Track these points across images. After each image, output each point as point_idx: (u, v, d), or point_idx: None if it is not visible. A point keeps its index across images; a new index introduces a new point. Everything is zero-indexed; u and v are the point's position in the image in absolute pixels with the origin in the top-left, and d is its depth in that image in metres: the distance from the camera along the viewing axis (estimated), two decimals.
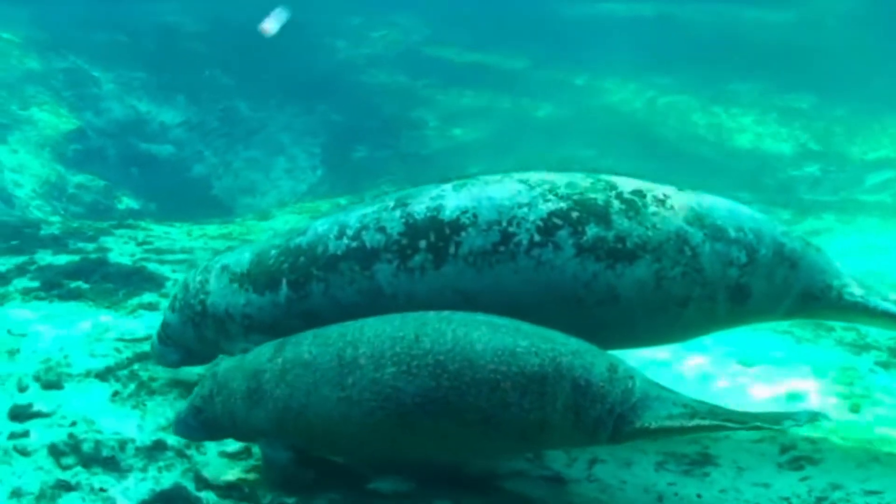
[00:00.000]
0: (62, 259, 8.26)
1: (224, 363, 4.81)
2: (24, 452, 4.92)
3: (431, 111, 17.59)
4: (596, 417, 4.30)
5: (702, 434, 5.32)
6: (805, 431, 5.39)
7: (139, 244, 9.03)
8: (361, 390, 4.28)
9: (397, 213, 4.89)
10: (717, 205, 5.03)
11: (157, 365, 5.90)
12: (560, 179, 4.93)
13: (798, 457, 5.18)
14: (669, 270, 4.77)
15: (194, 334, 5.54)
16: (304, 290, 5.00)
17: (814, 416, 4.36)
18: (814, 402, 5.90)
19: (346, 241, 4.92)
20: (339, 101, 17.79)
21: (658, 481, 4.93)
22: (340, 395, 4.32)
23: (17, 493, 4.56)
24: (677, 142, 16.14)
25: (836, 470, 5.01)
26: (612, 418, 4.30)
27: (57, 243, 8.82)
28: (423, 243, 4.77)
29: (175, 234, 9.56)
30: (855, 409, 5.83)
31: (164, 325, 5.76)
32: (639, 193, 4.90)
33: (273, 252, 5.20)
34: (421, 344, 4.26)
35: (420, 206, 4.87)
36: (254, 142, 17.09)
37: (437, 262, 4.75)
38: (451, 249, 4.73)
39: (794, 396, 6.00)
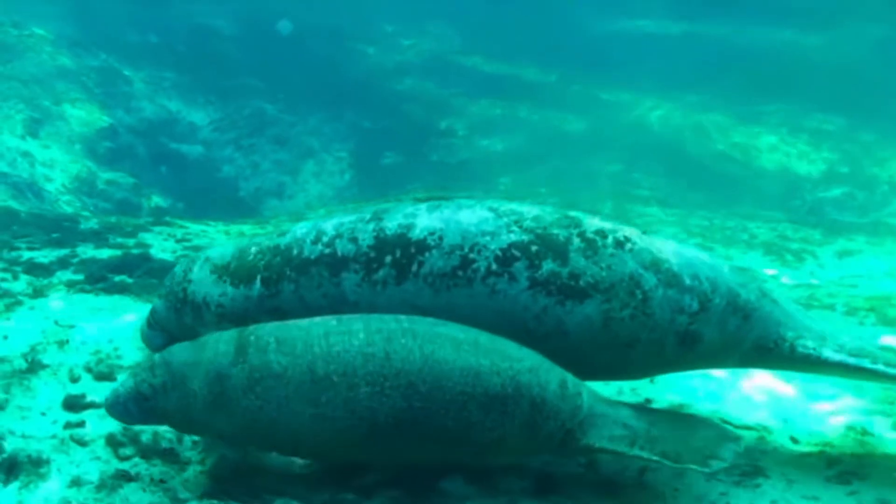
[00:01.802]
0: (104, 253, 8.30)
1: (177, 353, 4.63)
2: (81, 442, 4.95)
3: (460, 120, 17.63)
4: (548, 433, 4.58)
5: (750, 445, 5.38)
6: (850, 448, 5.39)
7: (178, 241, 9.07)
8: (335, 408, 4.36)
9: (371, 225, 5.15)
10: (677, 252, 5.14)
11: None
12: (529, 212, 5.11)
13: (844, 471, 5.16)
14: (618, 312, 4.92)
15: (176, 320, 5.83)
16: (275, 287, 5.27)
17: (737, 456, 4.73)
18: (856, 419, 5.89)
19: (320, 246, 5.20)
20: (368, 107, 17.85)
21: (710, 491, 4.94)
22: (314, 412, 4.36)
23: (76, 483, 4.60)
24: (704, 160, 16.13)
25: (882, 485, 5.00)
26: (561, 433, 4.59)
27: (98, 238, 8.87)
28: (388, 258, 5.03)
29: (212, 233, 9.60)
30: None
31: (152, 311, 6.10)
32: (601, 233, 5.04)
33: (253, 249, 5.51)
34: (392, 363, 4.39)
35: (393, 222, 5.13)
36: (282, 145, 17.15)
37: (398, 278, 5.00)
38: (414, 268, 4.97)
39: (835, 412, 5.99)
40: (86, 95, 16.77)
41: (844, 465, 5.25)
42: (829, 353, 5.12)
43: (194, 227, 9.83)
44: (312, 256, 5.19)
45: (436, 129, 17.33)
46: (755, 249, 10.92)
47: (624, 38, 19.86)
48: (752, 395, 6.10)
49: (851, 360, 5.10)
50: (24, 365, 5.85)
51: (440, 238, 4.99)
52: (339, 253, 5.12)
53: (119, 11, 19.50)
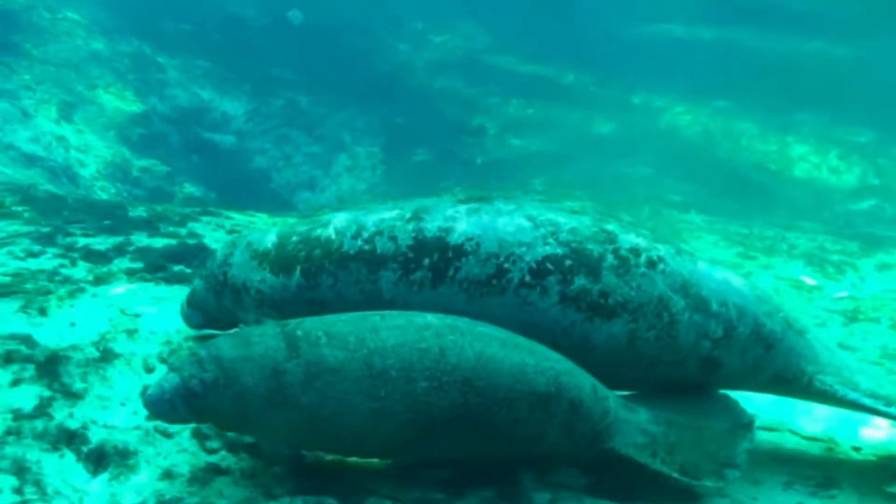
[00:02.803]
0: (158, 242, 8.30)
1: (225, 348, 4.51)
2: (165, 434, 4.94)
3: (491, 119, 17.66)
4: (581, 433, 4.72)
5: (820, 456, 5.43)
6: None
7: (228, 231, 9.06)
8: (394, 403, 4.37)
9: (411, 225, 5.19)
10: (708, 275, 5.23)
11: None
12: (567, 223, 5.16)
13: None
14: (644, 332, 5.02)
15: (215, 302, 5.92)
16: (314, 280, 5.32)
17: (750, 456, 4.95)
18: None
19: (360, 242, 5.24)
20: (399, 103, 17.87)
21: (787, 501, 4.98)
22: (373, 407, 4.36)
23: (168, 475, 4.60)
24: (735, 167, 16.15)
25: None
26: (591, 434, 4.74)
27: (149, 226, 8.86)
28: (426, 261, 5.09)
29: (259, 225, 9.59)
30: None
31: (192, 291, 6.16)
32: (635, 251, 5.11)
33: (294, 238, 5.51)
34: (447, 358, 4.44)
35: (433, 223, 5.17)
36: (315, 138, 17.16)
37: (434, 281, 5.07)
38: (450, 272, 5.04)
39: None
40: (119, 81, 16.80)
41: None
42: (844, 391, 5.23)
43: (240, 218, 9.82)
44: (352, 252, 5.23)
45: (467, 128, 17.36)
46: (796, 259, 10.94)
47: (654, 43, 19.88)
48: (815, 406, 6.11)
49: (867, 402, 5.22)
50: (96, 353, 5.85)
51: (477, 245, 5.06)
52: (379, 251, 5.17)
53: None
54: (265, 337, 4.51)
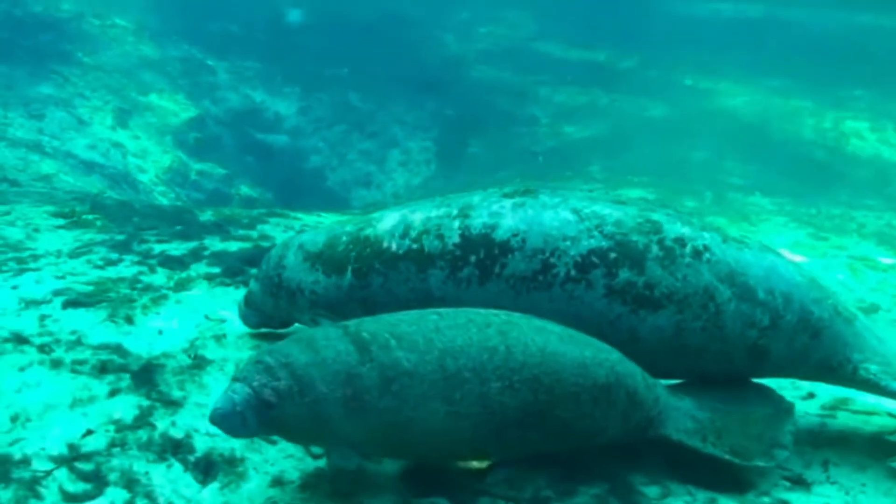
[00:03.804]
0: (232, 246, 8.32)
1: (294, 353, 4.31)
2: (269, 440, 4.93)
3: (542, 108, 17.57)
4: (636, 422, 4.72)
5: None
6: None
7: (298, 233, 9.06)
8: (470, 405, 4.29)
9: (457, 223, 5.23)
10: (756, 262, 5.17)
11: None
12: (611, 215, 5.16)
13: None
14: (690, 322, 4.99)
15: (272, 303, 6.04)
16: (365, 279, 5.40)
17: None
18: None
19: (408, 241, 5.31)
20: (449, 95, 17.84)
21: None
22: (449, 410, 4.28)
23: (278, 482, 4.58)
24: (793, 146, 15.94)
25: None
26: (645, 422, 4.74)
27: (220, 230, 8.89)
28: (473, 258, 5.13)
29: (327, 224, 9.59)
30: None
31: (249, 292, 6.29)
32: (680, 241, 5.09)
33: (344, 238, 5.61)
34: (514, 356, 4.39)
35: (478, 220, 5.20)
36: (367, 134, 17.16)
37: (482, 278, 5.11)
38: (497, 269, 5.08)
39: None
40: (171, 86, 16.90)
41: None
42: (888, 381, 5.13)
43: (308, 219, 9.83)
44: (400, 251, 5.30)
45: (519, 117, 17.28)
46: (867, 239, 10.77)
47: (702, 23, 19.73)
48: None
49: None
50: (188, 361, 5.86)
51: (523, 241, 5.08)
52: (426, 249, 5.23)
53: (196, 1, 19.61)
54: (331, 340, 4.38)
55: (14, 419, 5.13)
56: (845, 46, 18.20)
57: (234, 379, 4.31)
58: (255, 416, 4.17)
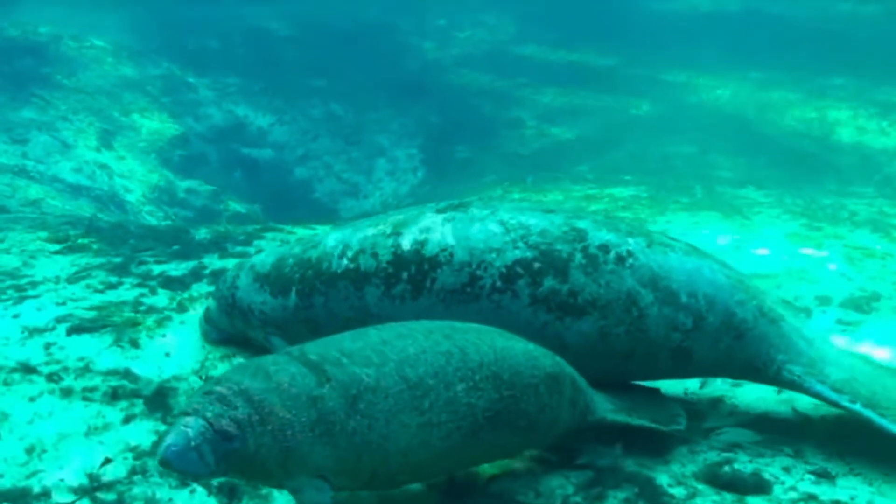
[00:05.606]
0: (231, 263, 8.19)
1: (246, 381, 3.97)
2: None
3: (527, 110, 17.57)
4: (581, 408, 4.81)
5: None
6: None
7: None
8: (440, 412, 4.20)
9: (390, 241, 5.45)
10: (680, 266, 5.28)
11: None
12: (537, 225, 5.32)
13: None
14: (614, 328, 5.16)
15: (228, 321, 6.27)
16: (308, 300, 5.63)
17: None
18: None
19: (345, 261, 5.52)
20: (433, 101, 17.81)
21: None
22: (420, 421, 4.14)
23: None
24: (778, 137, 15.99)
25: None
26: (584, 407, 4.83)
27: (217, 247, 8.82)
28: (405, 274, 5.32)
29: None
30: None
31: (207, 310, 6.53)
32: (604, 248, 5.24)
33: (290, 261, 5.85)
34: (470, 357, 4.36)
35: (409, 237, 5.40)
36: (353, 144, 17.11)
37: (414, 293, 5.30)
38: (427, 284, 5.29)
39: None
40: (153, 104, 16.82)
41: None
42: (811, 383, 5.20)
43: (303, 232, 9.76)
44: (339, 271, 5.53)
45: (504, 120, 17.29)
46: (861, 227, 10.77)
47: (680, 18, 19.75)
48: None
49: (832, 395, 5.16)
50: (199, 382, 5.81)
51: (451, 255, 5.28)
52: (362, 268, 5.44)
53: (173, 18, 19.53)
54: (281, 364, 4.09)
55: (29, 451, 5.07)
56: (825, 35, 18.25)
57: (183, 413, 3.88)
58: (212, 451, 3.74)
